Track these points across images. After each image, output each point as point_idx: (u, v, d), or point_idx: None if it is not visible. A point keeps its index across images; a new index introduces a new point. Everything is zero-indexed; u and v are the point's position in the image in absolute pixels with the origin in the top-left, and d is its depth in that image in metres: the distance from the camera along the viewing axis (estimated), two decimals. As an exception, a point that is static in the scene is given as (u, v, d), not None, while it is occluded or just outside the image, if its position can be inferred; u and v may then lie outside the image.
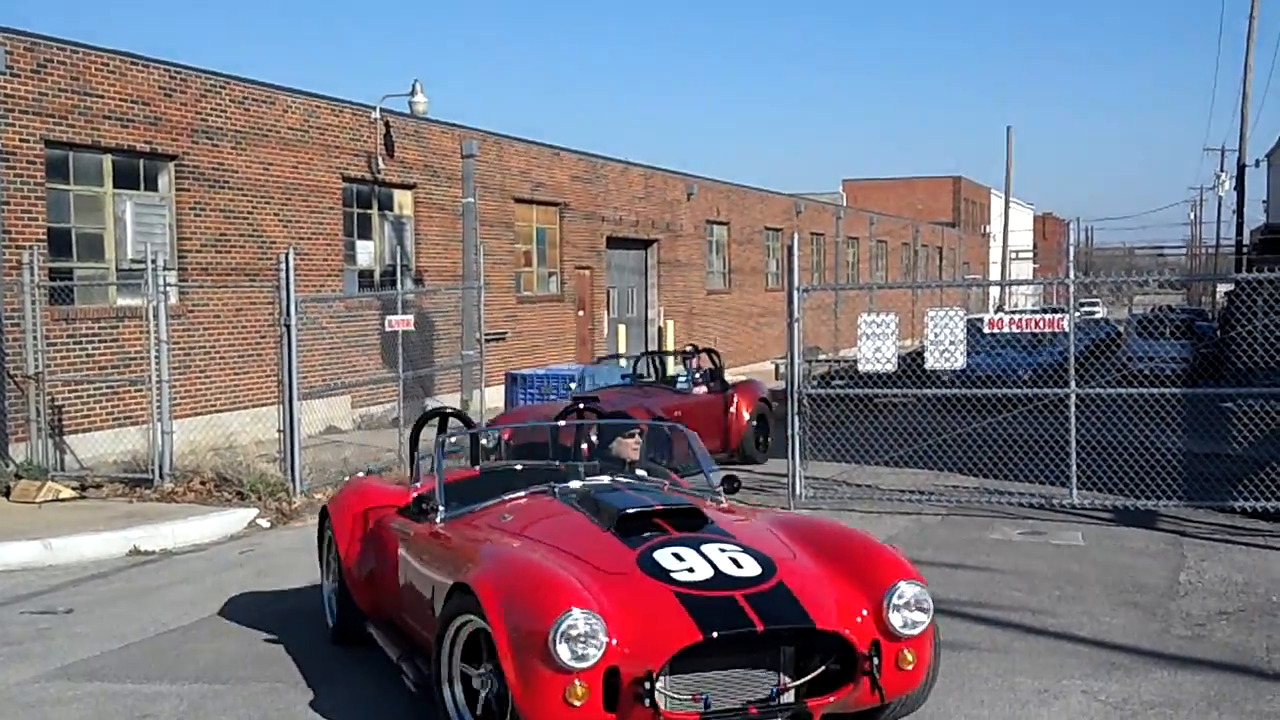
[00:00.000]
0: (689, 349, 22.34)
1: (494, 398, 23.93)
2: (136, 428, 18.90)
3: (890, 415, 19.42)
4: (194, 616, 11.24)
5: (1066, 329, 16.02)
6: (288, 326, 16.76)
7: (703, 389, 20.44)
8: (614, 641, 6.63)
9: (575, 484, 8.94)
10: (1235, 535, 14.13)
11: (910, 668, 7.22)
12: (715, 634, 6.73)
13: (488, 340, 24.13)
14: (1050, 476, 16.22)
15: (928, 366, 16.25)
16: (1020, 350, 26.05)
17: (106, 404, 19.53)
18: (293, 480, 16.68)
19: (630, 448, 9.86)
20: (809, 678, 7.02)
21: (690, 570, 7.17)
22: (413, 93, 27.43)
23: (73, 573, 13.26)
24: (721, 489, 9.39)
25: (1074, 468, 15.45)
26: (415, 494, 9.55)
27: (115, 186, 20.27)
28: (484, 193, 28.82)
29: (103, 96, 19.78)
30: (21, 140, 18.48)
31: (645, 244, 39.12)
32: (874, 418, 18.41)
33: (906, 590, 7.22)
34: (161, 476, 16.84)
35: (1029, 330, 18.27)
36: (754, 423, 20.47)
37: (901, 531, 14.45)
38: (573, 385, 20.89)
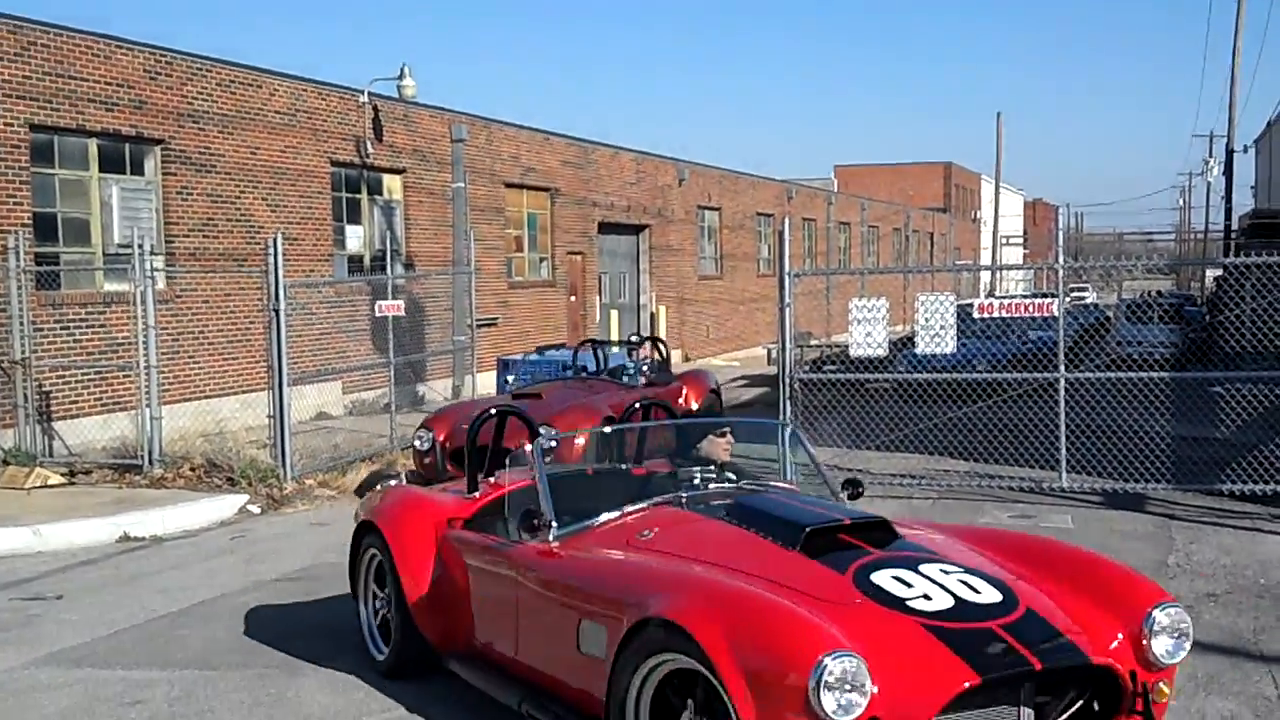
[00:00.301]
0: (634, 338, 21.20)
1: (485, 383, 23.91)
2: (125, 413, 18.86)
3: (881, 400, 19.41)
4: (184, 603, 11.22)
5: (1056, 313, 16.05)
6: (277, 311, 16.72)
7: (647, 381, 19.05)
8: (877, 689, 5.62)
9: (708, 492, 7.96)
10: (1223, 518, 14.15)
11: (1165, 700, 6.37)
12: (993, 675, 5.83)
13: (479, 326, 24.10)
14: (1040, 461, 16.23)
15: (918, 351, 16.26)
16: (980, 339, 25.89)
17: (95, 390, 19.49)
18: (283, 466, 16.66)
19: (722, 448, 8.71)
20: (1065, 717, 6.19)
21: (926, 598, 6.25)
22: (401, 76, 27.38)
23: (62, 559, 13.24)
24: (845, 494, 8.53)
25: (1063, 452, 15.48)
26: (478, 505, 8.75)
27: (101, 171, 20.20)
28: (474, 177, 28.79)
29: (87, 80, 19.71)
30: (5, 124, 18.42)
31: (637, 229, 39.09)
32: (865, 403, 18.40)
33: (1167, 614, 6.37)
34: (151, 462, 16.80)
35: (1019, 315, 18.22)
36: (703, 415, 18.78)
37: (892, 515, 14.43)
38: (568, 372, 19.87)
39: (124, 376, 18.98)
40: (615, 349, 21.52)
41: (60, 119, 19.29)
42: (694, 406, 19.06)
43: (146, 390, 16.90)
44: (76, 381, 19.22)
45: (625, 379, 18.85)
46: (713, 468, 8.46)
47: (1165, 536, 13.19)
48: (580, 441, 13.12)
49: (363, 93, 26.20)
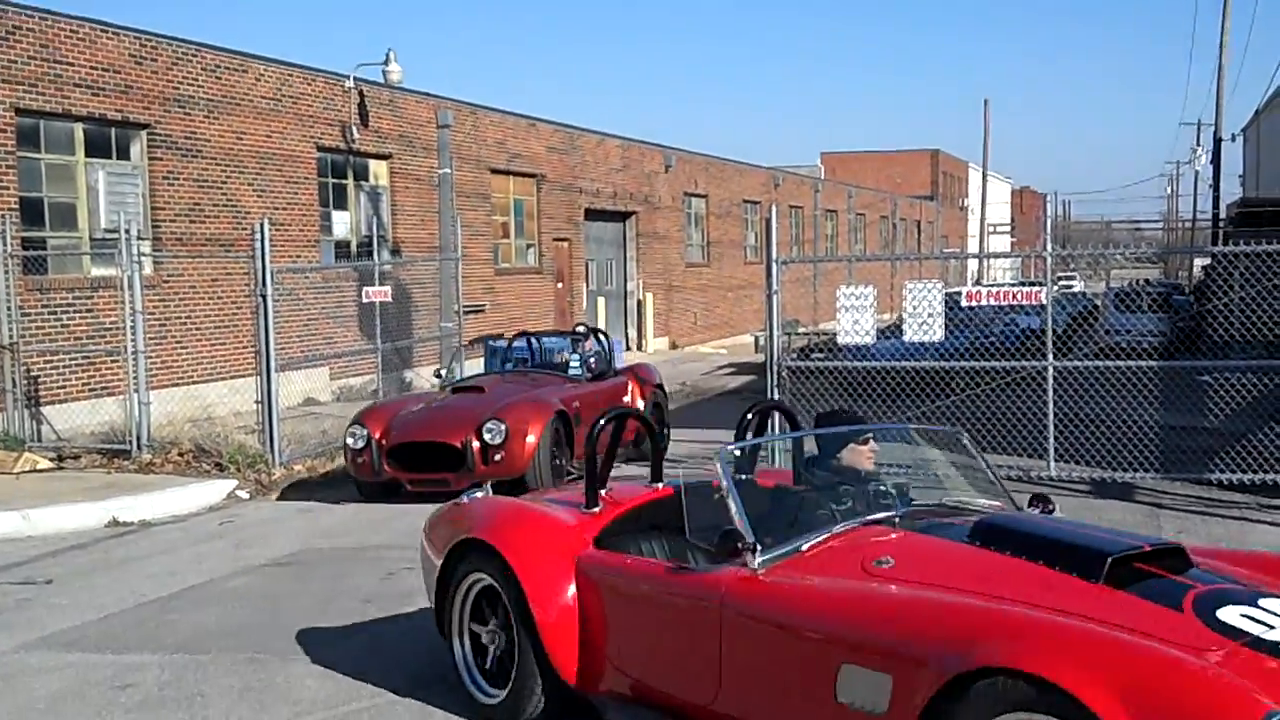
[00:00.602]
0: (579, 329, 19.57)
1: (473, 370, 23.87)
2: (113, 398, 18.83)
3: (869, 387, 19.39)
4: (174, 587, 11.22)
5: (1044, 302, 16.06)
6: (264, 297, 16.71)
7: (593, 375, 17.84)
8: None
9: (915, 509, 6.96)
10: (1211, 507, 14.18)
11: None
12: None
13: (466, 312, 24.07)
14: (1028, 449, 16.24)
15: (905, 339, 16.27)
16: (966, 328, 25.78)
17: (83, 374, 19.45)
18: (272, 452, 16.66)
19: (866, 456, 7.47)
20: None
21: None
22: (386, 62, 27.33)
23: (51, 543, 13.23)
24: (1036, 510, 7.42)
25: (1051, 440, 15.48)
26: (603, 521, 7.57)
27: (87, 155, 20.16)
28: (460, 163, 28.74)
29: (73, 64, 19.65)
30: (-7, 108, 18.40)
31: (623, 216, 39.09)
32: (853, 391, 18.38)
33: None
34: (139, 447, 16.79)
35: (1005, 303, 18.23)
36: (649, 413, 17.37)
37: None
38: (562, 357, 18.69)
39: (112, 361, 18.94)
40: (551, 339, 19.87)
41: (46, 103, 19.23)
42: (640, 403, 17.80)
43: (134, 375, 16.89)
44: (64, 366, 19.19)
45: (570, 372, 17.63)
46: (883, 480, 7.33)
47: (1154, 526, 13.20)
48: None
49: (348, 78, 26.17)
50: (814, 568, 6.33)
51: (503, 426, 14.74)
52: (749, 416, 8.21)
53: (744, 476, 7.25)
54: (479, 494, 8.35)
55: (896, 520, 6.72)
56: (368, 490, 15.40)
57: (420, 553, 8.51)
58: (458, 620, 7.88)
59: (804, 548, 6.46)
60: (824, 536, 6.54)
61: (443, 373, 19.09)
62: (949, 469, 7.82)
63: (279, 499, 15.77)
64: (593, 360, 18.02)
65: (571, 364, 17.81)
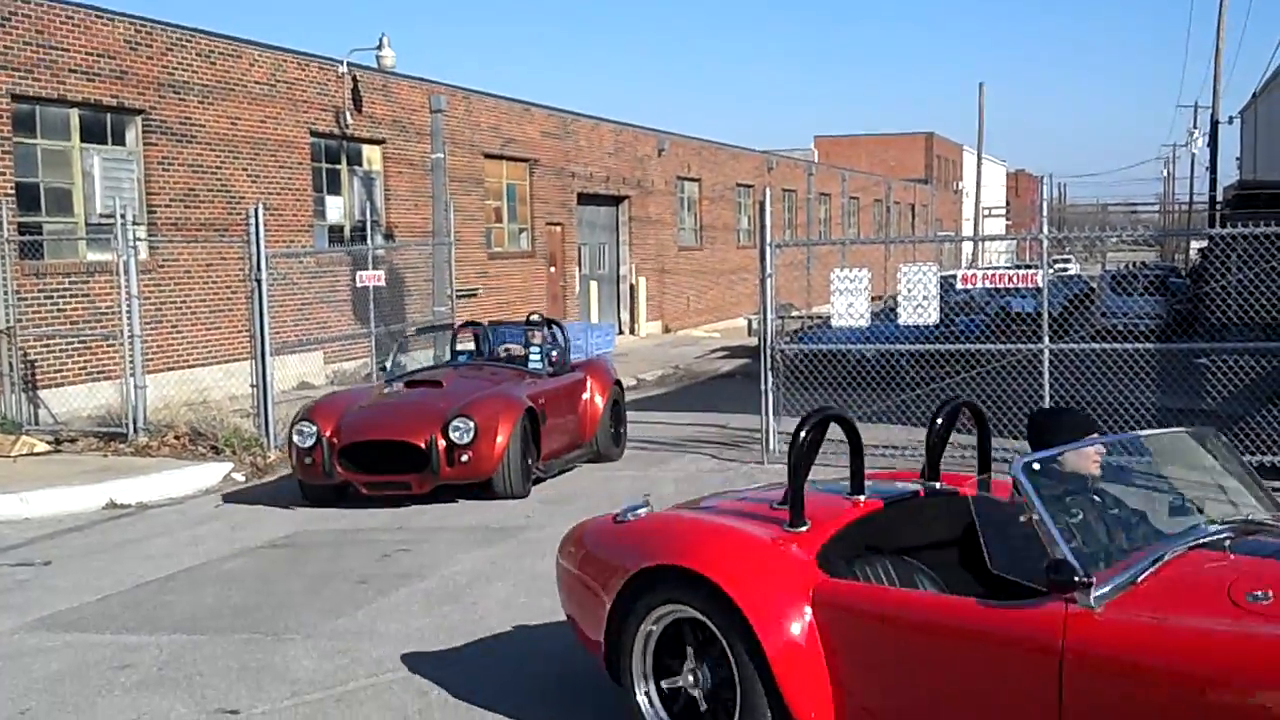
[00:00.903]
0: (535, 318, 17.69)
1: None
2: (110, 382, 18.83)
3: (863, 371, 19.39)
4: (171, 569, 11.23)
5: (1040, 284, 16.09)
6: (258, 281, 16.72)
7: (553, 370, 16.36)
8: None
9: (1233, 525, 5.85)
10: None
11: None
12: None
13: (459, 297, 24.09)
14: (1024, 431, 16.23)
15: (900, 322, 16.32)
16: (960, 311, 25.76)
17: (79, 358, 19.46)
18: (267, 435, 16.68)
19: (1092, 460, 6.26)
20: None
21: None
22: (380, 47, 27.26)
23: (49, 526, 13.24)
24: None
25: (1047, 422, 15.50)
26: (819, 542, 6.30)
27: (82, 141, 20.16)
28: (453, 148, 28.72)
29: (68, 50, 19.63)
30: (-12, 94, 18.38)
31: (616, 200, 39.09)
32: (847, 374, 18.38)
33: None
34: (136, 431, 16.80)
35: (1000, 285, 18.25)
36: (609, 411, 16.69)
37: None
38: (508, 350, 17.39)
39: (108, 345, 18.94)
40: (505, 329, 18.22)
41: (42, 89, 19.22)
42: (600, 401, 16.49)
43: (130, 359, 16.89)
44: (61, 350, 19.20)
45: (531, 365, 16.30)
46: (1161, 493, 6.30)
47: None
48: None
49: (342, 63, 26.15)
50: (1161, 604, 5.24)
51: (471, 424, 13.57)
52: (938, 421, 7.14)
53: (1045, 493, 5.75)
54: (642, 511, 7.08)
55: (1227, 543, 5.64)
56: (314, 494, 14.13)
57: (560, 584, 7.46)
58: (642, 664, 6.64)
59: (1139, 579, 5.36)
60: (1152, 565, 5.44)
61: (387, 365, 17.64)
62: (1215, 477, 6.51)
63: (274, 480, 15.77)
64: (554, 353, 16.61)
65: (532, 357, 16.51)
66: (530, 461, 14.32)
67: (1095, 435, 6.57)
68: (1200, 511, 6.05)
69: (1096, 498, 6.13)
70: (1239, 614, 5.02)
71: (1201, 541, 5.62)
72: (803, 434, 6.63)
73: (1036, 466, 5.77)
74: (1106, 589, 5.24)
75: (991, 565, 6.00)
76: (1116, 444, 6.64)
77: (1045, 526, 5.46)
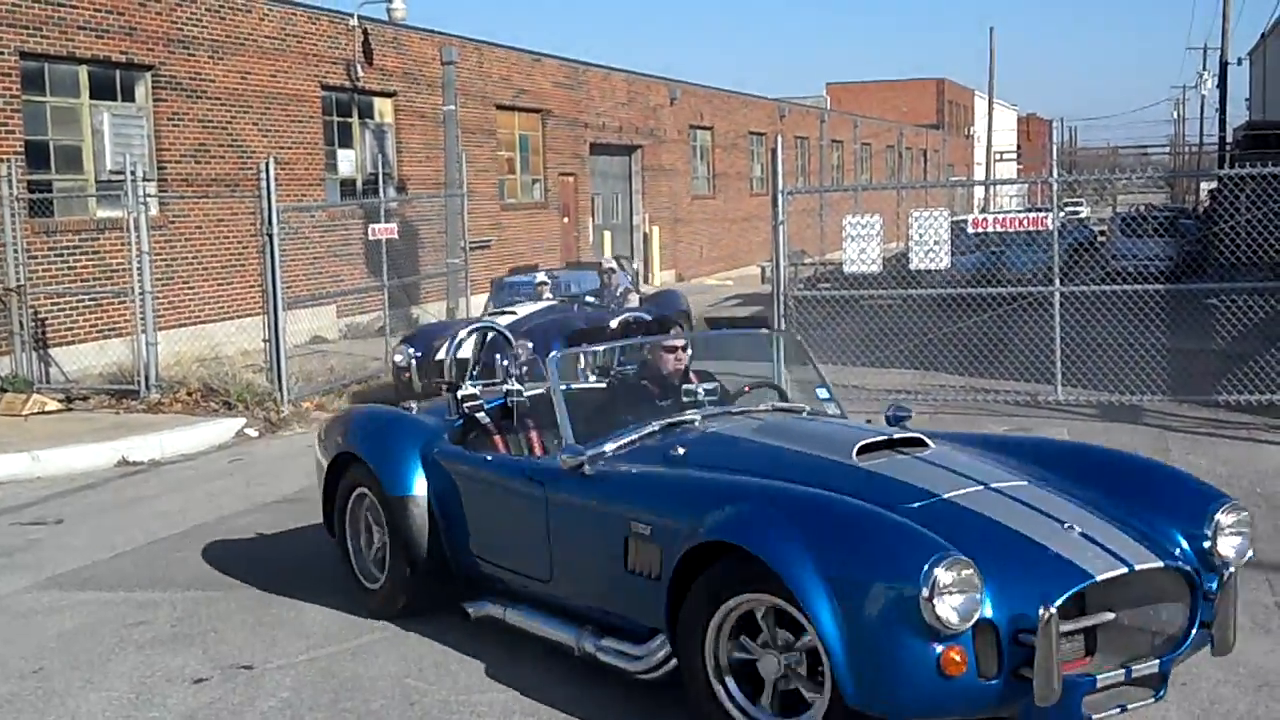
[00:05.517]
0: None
1: (479, 307, 23.88)
2: (121, 339, 18.84)
3: (876, 316, 19.39)
4: (184, 526, 11.27)
5: (1051, 228, 16.07)
6: (270, 236, 16.69)
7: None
8: None
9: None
10: (1219, 429, 14.20)
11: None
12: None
13: (472, 248, 24.07)
14: (1035, 374, 16.25)
15: (912, 267, 16.32)
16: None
17: (90, 316, 19.48)
18: (280, 390, 16.68)
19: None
20: None
21: None
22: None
23: (61, 484, 13.28)
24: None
25: (1059, 365, 15.53)
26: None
27: (92, 98, 20.11)
28: (465, 100, 28.64)
29: (76, 6, 19.57)
30: (-3, 52, 18.35)
31: (629, 150, 38.98)
32: (860, 319, 18.40)
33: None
34: (148, 388, 16.81)
35: (1012, 229, 18.22)
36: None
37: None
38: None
39: (119, 303, 18.93)
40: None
41: (50, 46, 19.18)
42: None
43: (142, 316, 16.88)
44: (72, 308, 19.22)
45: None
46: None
47: (1162, 448, 13.22)
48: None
49: (352, 16, 26.08)
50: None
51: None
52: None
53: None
54: None
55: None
56: None
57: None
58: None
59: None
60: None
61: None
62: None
63: (288, 435, 15.81)
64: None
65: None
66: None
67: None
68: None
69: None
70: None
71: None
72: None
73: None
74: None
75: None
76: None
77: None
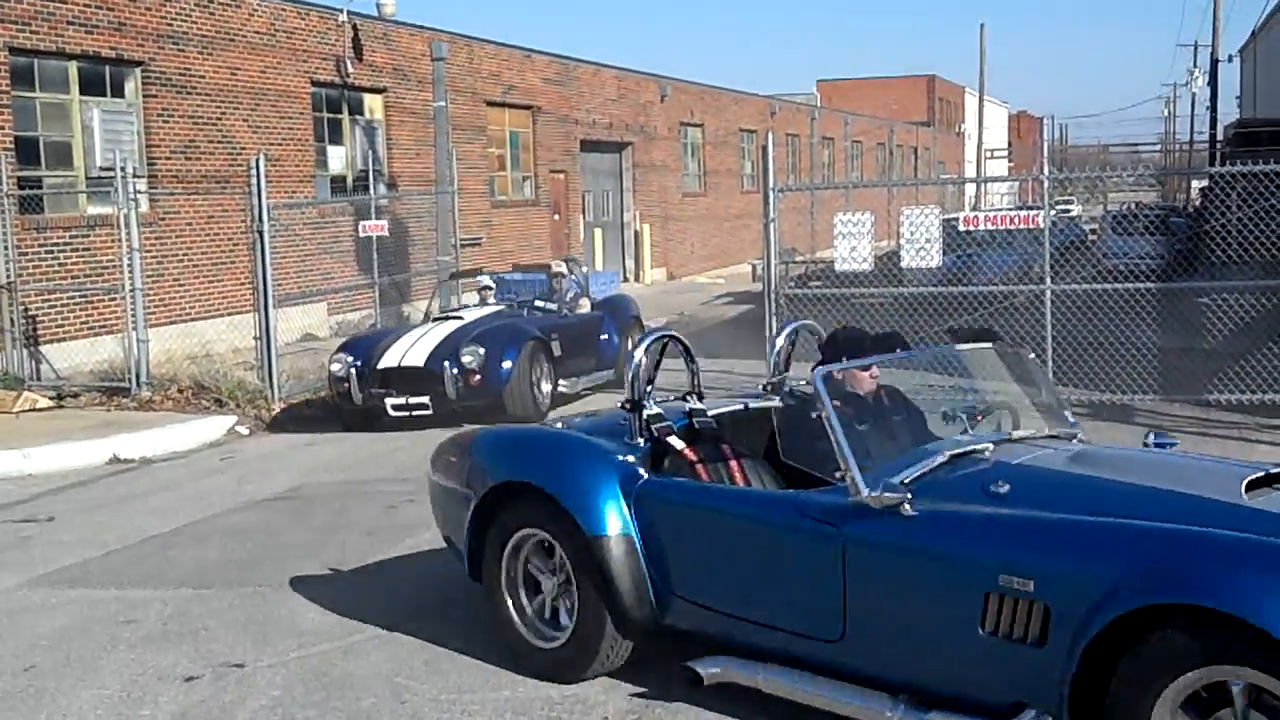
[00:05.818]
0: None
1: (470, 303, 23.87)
2: (112, 337, 18.79)
3: (867, 315, 19.38)
4: (176, 523, 11.25)
5: (1042, 225, 16.05)
6: (260, 233, 16.69)
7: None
8: None
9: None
10: (1210, 428, 14.21)
11: None
12: None
13: (463, 245, 24.05)
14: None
15: (903, 265, 16.31)
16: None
17: (81, 313, 19.44)
18: (271, 387, 16.67)
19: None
20: None
21: None
22: (379, -6, 27.20)
23: (52, 481, 13.27)
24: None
25: (1050, 364, 15.50)
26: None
27: (82, 93, 20.07)
28: (455, 96, 28.61)
29: (66, 2, 19.52)
30: (-14, 47, 18.32)
31: (619, 147, 38.96)
32: (851, 317, 18.37)
33: None
34: (139, 385, 16.80)
35: (1003, 227, 18.21)
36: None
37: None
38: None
39: (110, 299, 18.89)
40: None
41: (40, 42, 19.14)
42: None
43: (132, 313, 16.87)
44: (62, 305, 19.18)
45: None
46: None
47: (1151, 446, 13.20)
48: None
49: (342, 11, 26.01)
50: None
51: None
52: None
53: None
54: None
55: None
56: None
57: None
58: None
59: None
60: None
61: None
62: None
63: (277, 433, 15.80)
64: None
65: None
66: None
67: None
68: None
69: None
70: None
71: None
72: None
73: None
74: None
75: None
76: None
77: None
